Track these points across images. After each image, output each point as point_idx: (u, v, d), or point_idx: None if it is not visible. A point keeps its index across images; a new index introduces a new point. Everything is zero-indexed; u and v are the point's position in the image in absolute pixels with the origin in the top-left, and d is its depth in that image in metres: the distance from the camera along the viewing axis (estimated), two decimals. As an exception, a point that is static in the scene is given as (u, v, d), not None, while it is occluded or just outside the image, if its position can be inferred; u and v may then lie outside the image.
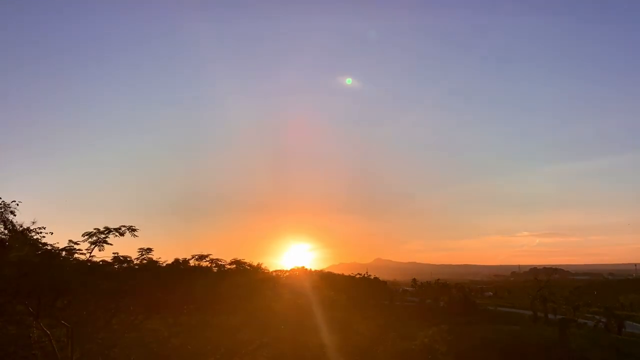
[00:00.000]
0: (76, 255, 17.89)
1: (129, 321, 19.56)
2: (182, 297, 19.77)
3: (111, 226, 17.92)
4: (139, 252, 19.99)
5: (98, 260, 18.08)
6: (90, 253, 17.72)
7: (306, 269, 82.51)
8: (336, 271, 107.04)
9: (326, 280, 73.72)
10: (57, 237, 20.66)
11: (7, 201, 23.57)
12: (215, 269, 21.62)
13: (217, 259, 21.76)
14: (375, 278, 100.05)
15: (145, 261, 19.49)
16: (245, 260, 22.89)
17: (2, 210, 23.12)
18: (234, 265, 22.00)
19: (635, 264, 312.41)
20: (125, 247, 19.18)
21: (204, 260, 21.29)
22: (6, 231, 23.07)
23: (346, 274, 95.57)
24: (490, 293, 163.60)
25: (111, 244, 17.89)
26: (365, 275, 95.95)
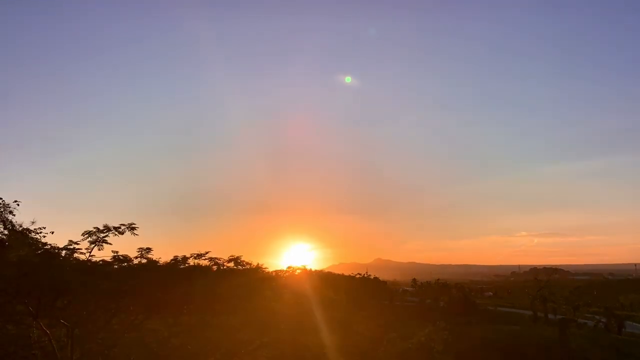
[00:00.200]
0: (76, 255, 17.89)
1: (129, 321, 19.55)
2: (182, 297, 19.76)
3: (111, 225, 17.93)
4: (139, 251, 19.99)
5: (98, 259, 18.09)
6: (90, 253, 17.72)
7: (306, 269, 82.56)
8: (336, 271, 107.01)
9: (326, 280, 73.68)
10: (57, 237, 20.63)
11: (7, 201, 23.54)
12: (214, 267, 21.62)
13: (216, 257, 21.76)
14: (375, 278, 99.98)
15: (144, 260, 19.49)
16: (242, 257, 22.89)
17: (2, 210, 23.08)
18: (232, 263, 21.98)
19: (635, 264, 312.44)
20: (125, 246, 19.18)
21: (203, 258, 21.27)
22: (6, 231, 23.04)
23: (346, 274, 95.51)
24: (490, 293, 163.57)
25: (110, 244, 17.89)
26: (365, 275, 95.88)
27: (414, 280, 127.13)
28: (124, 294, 17.89)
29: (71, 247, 17.43)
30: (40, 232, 21.80)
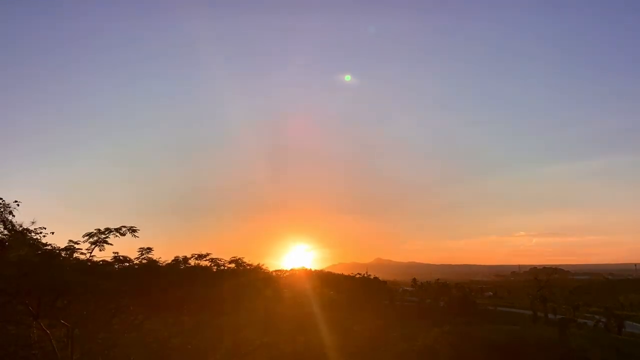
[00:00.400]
0: (76, 255, 17.91)
1: (129, 321, 19.57)
2: (182, 297, 19.77)
3: (112, 226, 17.94)
4: (139, 251, 20.01)
5: (98, 260, 18.10)
6: (91, 253, 17.73)
7: (306, 269, 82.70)
8: (336, 271, 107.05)
9: (326, 280, 73.72)
10: (57, 237, 20.64)
11: (7, 201, 23.54)
12: (214, 268, 21.64)
13: (217, 258, 21.79)
14: (375, 278, 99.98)
15: (145, 261, 19.51)
16: (244, 259, 22.93)
17: (2, 210, 23.08)
18: (233, 265, 22.03)
19: (635, 264, 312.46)
20: (126, 247, 19.20)
21: (204, 259, 21.31)
22: (6, 231, 23.04)
23: (346, 274, 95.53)
24: (490, 293, 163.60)
25: (111, 244, 17.90)
26: (365, 275, 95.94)
27: (414, 280, 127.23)
28: (124, 294, 17.91)
29: (71, 247, 17.45)
30: (40, 232, 21.81)
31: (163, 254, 21.21)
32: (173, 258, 20.91)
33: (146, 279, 18.37)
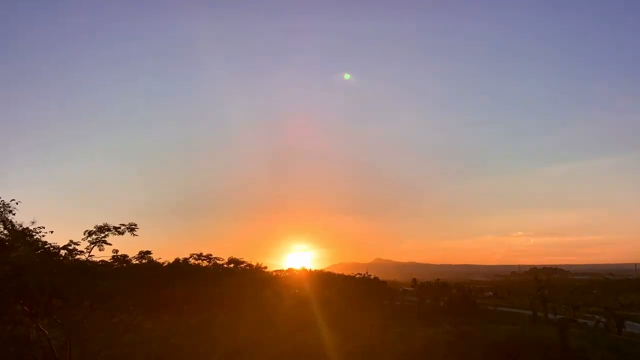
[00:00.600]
0: (76, 255, 17.91)
1: (129, 321, 19.56)
2: (182, 297, 19.79)
3: (111, 225, 17.94)
4: (139, 254, 20.05)
5: (97, 259, 18.11)
6: (90, 252, 17.73)
7: (306, 269, 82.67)
8: (336, 271, 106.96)
9: (326, 280, 73.71)
10: (57, 236, 20.65)
11: (7, 201, 23.53)
12: (214, 269, 21.68)
13: (217, 258, 21.83)
14: (375, 278, 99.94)
15: (144, 261, 19.54)
16: (242, 259, 22.96)
17: (2, 210, 23.07)
18: (232, 264, 22.07)
19: (635, 264, 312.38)
20: (125, 246, 19.20)
21: (203, 259, 21.35)
22: (6, 231, 23.03)
23: (346, 274, 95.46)
24: (490, 293, 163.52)
25: (110, 244, 17.92)
26: (365, 275, 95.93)
27: (414, 280, 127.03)
28: (124, 294, 17.91)
29: (71, 247, 17.45)
30: (40, 232, 21.82)
31: (163, 254, 21.27)
32: (174, 259, 20.96)
33: (146, 279, 18.38)
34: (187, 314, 21.07)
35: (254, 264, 28.55)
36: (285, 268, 71.08)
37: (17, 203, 22.96)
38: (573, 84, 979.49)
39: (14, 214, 23.00)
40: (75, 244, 17.48)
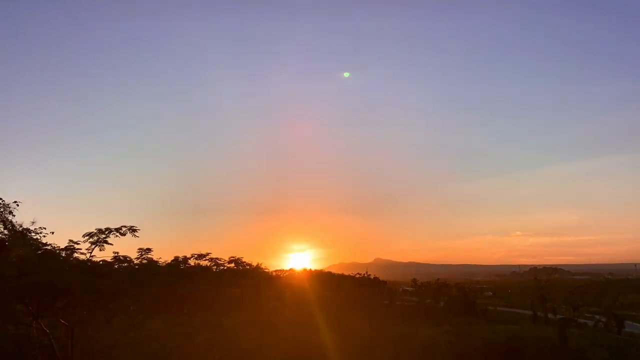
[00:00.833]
0: (76, 255, 17.92)
1: (129, 321, 19.58)
2: (182, 297, 19.80)
3: (112, 226, 17.94)
4: (139, 252, 20.05)
5: (98, 260, 18.11)
6: (91, 253, 17.74)
7: (306, 269, 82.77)
8: (336, 271, 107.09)
9: (326, 280, 73.74)
10: (57, 237, 20.66)
11: (7, 201, 23.56)
12: (214, 268, 21.69)
13: (217, 258, 21.84)
14: (375, 278, 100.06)
15: (145, 261, 19.55)
16: (243, 259, 22.98)
17: (2, 210, 23.09)
18: (233, 264, 22.09)
19: (635, 264, 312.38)
20: (126, 246, 19.22)
21: (203, 259, 21.37)
22: (6, 231, 23.05)
23: (346, 273, 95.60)
24: (490, 293, 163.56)
25: (111, 244, 17.91)
26: (365, 275, 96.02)
27: (414, 280, 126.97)
28: (124, 294, 17.92)
29: (71, 247, 17.46)
30: (40, 232, 21.83)
31: (163, 254, 21.30)
32: (173, 258, 20.96)
33: (146, 279, 18.39)
34: (188, 314, 21.07)
35: (255, 263, 28.64)
36: (285, 268, 71.22)
37: (17, 204, 23.00)
38: (573, 83, 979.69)
39: (14, 215, 23.04)
40: (76, 243, 17.48)
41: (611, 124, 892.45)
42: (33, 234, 22.01)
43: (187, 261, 21.90)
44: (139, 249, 19.76)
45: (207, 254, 22.22)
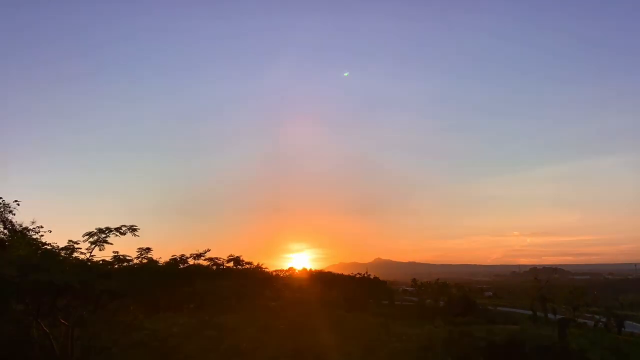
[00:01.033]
0: (76, 255, 17.92)
1: (129, 321, 19.58)
2: (182, 297, 19.81)
3: (112, 226, 17.94)
4: (139, 251, 20.04)
5: (98, 259, 18.12)
6: (91, 253, 17.75)
7: (306, 269, 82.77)
8: (336, 271, 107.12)
9: (326, 280, 73.77)
10: (57, 237, 20.72)
11: (7, 201, 23.59)
12: (213, 267, 21.69)
13: (216, 258, 21.82)
14: (375, 278, 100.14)
15: (145, 260, 19.55)
16: (242, 258, 22.96)
17: (2, 210, 23.13)
18: (232, 263, 22.07)
19: (635, 264, 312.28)
20: (126, 246, 19.21)
21: (202, 258, 21.35)
22: (6, 231, 23.08)
23: (346, 273, 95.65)
24: (490, 293, 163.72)
25: (111, 244, 17.91)
26: (365, 275, 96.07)
27: (414, 280, 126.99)
28: (124, 294, 17.92)
29: (71, 247, 17.47)
30: (40, 232, 21.87)
31: (163, 254, 21.29)
32: (171, 257, 20.95)
33: (146, 279, 18.39)
34: (187, 314, 21.07)
35: (254, 263, 28.62)
36: (285, 268, 71.18)
37: (18, 204, 23.04)
38: (573, 83, 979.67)
39: (14, 214, 23.08)
40: (76, 243, 17.49)
41: (611, 124, 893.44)
42: (33, 233, 22.07)
43: (186, 260, 21.89)
44: (138, 248, 19.76)
45: (206, 251, 22.16)
